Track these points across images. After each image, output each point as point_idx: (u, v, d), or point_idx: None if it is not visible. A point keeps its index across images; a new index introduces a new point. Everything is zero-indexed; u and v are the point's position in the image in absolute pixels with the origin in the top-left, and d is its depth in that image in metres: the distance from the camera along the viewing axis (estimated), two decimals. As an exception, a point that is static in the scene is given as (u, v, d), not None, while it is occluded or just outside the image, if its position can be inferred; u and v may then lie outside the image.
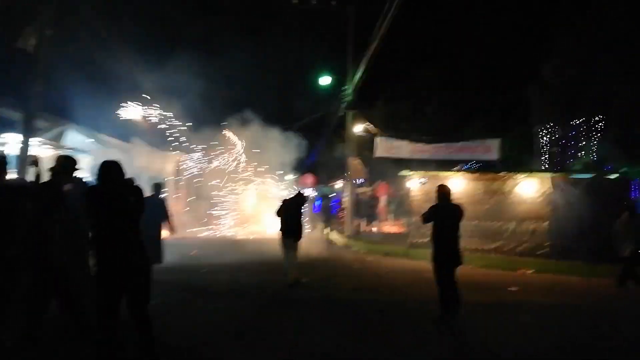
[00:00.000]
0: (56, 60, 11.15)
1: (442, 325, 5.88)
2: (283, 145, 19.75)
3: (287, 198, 9.20)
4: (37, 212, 4.70)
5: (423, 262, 11.38)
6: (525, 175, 12.38)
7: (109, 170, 4.16)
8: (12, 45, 8.97)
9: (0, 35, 9.32)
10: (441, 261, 6.30)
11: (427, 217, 6.48)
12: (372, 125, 18.53)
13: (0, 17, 8.74)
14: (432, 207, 6.47)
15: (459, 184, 13.05)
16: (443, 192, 6.45)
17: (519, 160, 19.47)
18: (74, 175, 5.23)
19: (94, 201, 4.14)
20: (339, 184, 31.34)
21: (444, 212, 6.40)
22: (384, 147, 17.56)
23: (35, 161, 4.90)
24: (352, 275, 9.92)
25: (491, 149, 16.65)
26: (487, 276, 10.36)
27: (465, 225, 12.26)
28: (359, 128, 18.52)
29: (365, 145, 19.00)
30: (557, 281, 9.90)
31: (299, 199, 9.05)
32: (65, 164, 5.06)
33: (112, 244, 3.99)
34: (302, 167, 23.68)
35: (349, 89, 17.80)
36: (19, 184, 5.34)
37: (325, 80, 18.46)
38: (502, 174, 12.72)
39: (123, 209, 4.08)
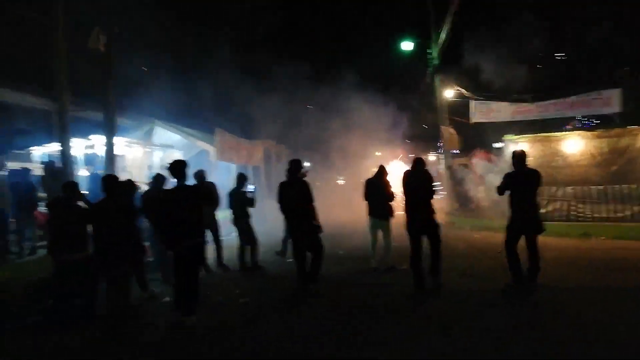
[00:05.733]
0: (131, 57, 11.17)
1: (512, 292, 6.00)
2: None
3: (370, 177, 8.28)
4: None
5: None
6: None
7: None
8: (85, 47, 8.91)
9: (75, 38, 9.31)
10: (517, 229, 6.17)
11: (501, 188, 6.36)
12: (463, 90, 16.79)
13: (73, 19, 8.68)
14: (505, 176, 6.39)
15: (576, 144, 11.22)
16: (517, 158, 6.32)
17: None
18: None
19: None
20: (432, 157, 29.70)
21: (518, 179, 6.25)
22: (481, 111, 15.86)
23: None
24: (457, 257, 8.74)
25: (611, 100, 14.27)
26: (624, 250, 8.67)
27: (589, 191, 10.73)
28: (449, 93, 16.89)
29: (459, 111, 17.33)
30: None
31: (381, 173, 8.11)
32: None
33: None
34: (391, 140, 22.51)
35: (434, 51, 16.25)
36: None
37: (407, 45, 16.99)
38: (631, 128, 10.63)
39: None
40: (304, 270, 6.61)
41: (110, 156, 8.91)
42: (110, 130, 8.81)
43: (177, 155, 15.80)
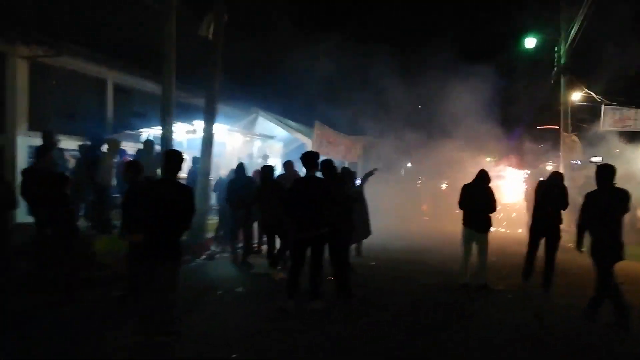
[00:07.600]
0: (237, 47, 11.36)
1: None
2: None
3: (469, 183, 7.40)
4: None
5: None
6: None
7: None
8: (196, 34, 9.21)
9: (189, 25, 9.68)
10: (602, 255, 5.34)
11: (583, 219, 5.57)
12: (593, 93, 14.77)
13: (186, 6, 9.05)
14: (585, 197, 5.56)
15: None
16: (600, 174, 5.44)
17: None
18: None
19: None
20: (550, 166, 27.00)
21: (599, 198, 5.40)
22: (613, 118, 13.86)
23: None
24: (565, 282, 7.57)
25: None
26: None
27: None
28: (575, 97, 15.01)
29: (583, 117, 15.38)
30: None
31: (482, 179, 7.22)
32: None
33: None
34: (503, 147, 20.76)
35: (562, 49, 14.53)
36: None
37: (530, 42, 15.39)
38: None
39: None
40: (297, 281, 5.80)
41: (208, 142, 9.13)
42: (210, 117, 9.02)
43: (277, 146, 16.07)
